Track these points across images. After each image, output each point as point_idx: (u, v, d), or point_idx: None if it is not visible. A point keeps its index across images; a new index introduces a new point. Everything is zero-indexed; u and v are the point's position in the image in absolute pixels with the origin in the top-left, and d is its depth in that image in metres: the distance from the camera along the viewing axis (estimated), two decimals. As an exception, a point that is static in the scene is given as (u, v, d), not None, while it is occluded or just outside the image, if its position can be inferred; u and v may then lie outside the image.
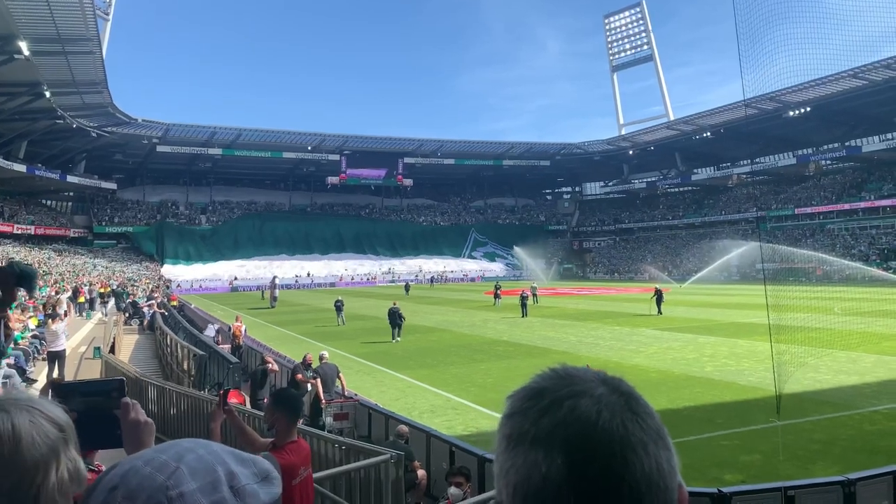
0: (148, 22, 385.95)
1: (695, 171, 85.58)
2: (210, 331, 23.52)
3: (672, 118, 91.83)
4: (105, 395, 1.66)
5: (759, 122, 66.42)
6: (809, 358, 15.50)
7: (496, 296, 39.30)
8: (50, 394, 1.51)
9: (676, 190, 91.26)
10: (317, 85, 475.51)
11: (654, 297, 30.93)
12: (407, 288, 54.85)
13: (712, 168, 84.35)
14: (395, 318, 24.30)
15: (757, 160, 78.24)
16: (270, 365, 13.04)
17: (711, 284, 54.90)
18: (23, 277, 2.37)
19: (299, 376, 11.95)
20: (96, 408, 1.61)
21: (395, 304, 25.78)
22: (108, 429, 1.59)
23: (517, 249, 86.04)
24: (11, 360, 12.38)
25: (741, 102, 59.55)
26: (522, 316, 31.10)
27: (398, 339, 23.84)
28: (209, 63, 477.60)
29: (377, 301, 45.01)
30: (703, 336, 22.62)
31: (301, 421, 4.03)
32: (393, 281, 71.70)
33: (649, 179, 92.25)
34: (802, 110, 61.87)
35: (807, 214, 69.14)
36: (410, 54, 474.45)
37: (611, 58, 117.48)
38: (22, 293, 2.72)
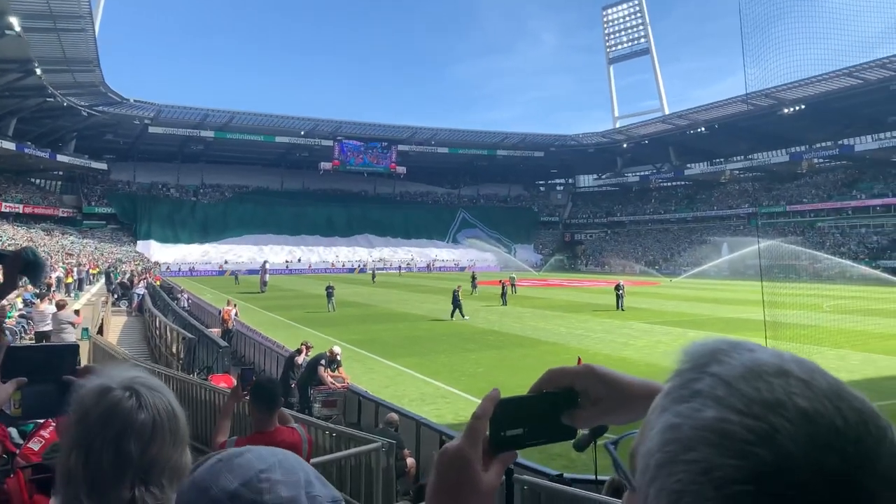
0: (141, 1, 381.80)
1: (688, 165, 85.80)
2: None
3: (667, 112, 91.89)
4: (57, 360, 1.62)
5: (754, 119, 66.63)
6: (800, 354, 15.58)
7: (473, 285, 39.41)
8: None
9: (669, 184, 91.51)
10: (310, 70, 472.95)
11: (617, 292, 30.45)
12: (373, 276, 55.06)
13: (705, 163, 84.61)
14: (456, 300, 26.80)
15: (750, 156, 78.53)
16: (301, 355, 12.66)
17: (701, 279, 55.16)
18: (31, 266, 2.33)
19: (322, 371, 11.64)
20: (48, 374, 1.57)
21: (458, 287, 28.05)
22: (61, 396, 1.55)
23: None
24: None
25: (739, 98, 59.69)
26: (502, 304, 32.14)
27: (466, 317, 26.19)
28: (202, 44, 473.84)
29: (372, 289, 45.01)
30: (693, 330, 22.69)
31: (276, 413, 3.89)
32: (384, 268, 71.54)
33: (642, 173, 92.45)
34: (797, 108, 62.05)
35: (798, 211, 69.53)
36: (405, 41, 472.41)
37: (608, 50, 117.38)
38: (23, 281, 2.66)
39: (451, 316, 26.38)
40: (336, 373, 12.03)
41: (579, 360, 11.64)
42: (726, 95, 70.49)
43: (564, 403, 0.82)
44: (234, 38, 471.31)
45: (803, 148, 73.41)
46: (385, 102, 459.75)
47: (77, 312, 17.20)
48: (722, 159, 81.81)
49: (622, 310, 29.00)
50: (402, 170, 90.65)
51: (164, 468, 1.18)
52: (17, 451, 4.28)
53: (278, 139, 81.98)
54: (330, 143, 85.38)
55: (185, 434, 1.25)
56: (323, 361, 11.76)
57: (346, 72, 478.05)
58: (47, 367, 1.59)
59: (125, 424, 1.16)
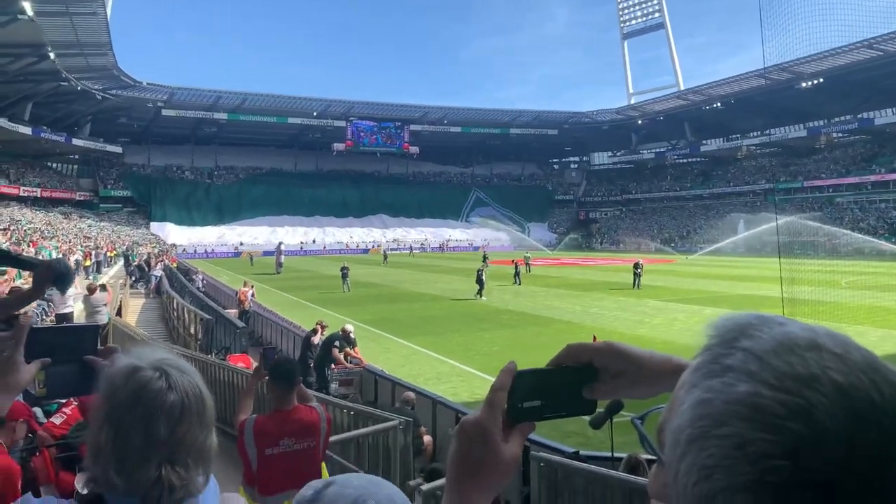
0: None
1: (704, 141, 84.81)
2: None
3: (682, 88, 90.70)
4: (79, 341, 1.66)
5: (771, 93, 65.62)
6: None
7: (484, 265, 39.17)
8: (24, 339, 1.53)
9: (685, 161, 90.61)
10: (322, 52, 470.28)
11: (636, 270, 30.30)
12: (385, 257, 54.79)
13: (722, 139, 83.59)
14: (480, 279, 26.87)
15: (767, 131, 77.48)
16: (317, 335, 12.80)
17: (718, 257, 54.78)
18: (61, 278, 2.40)
19: (336, 352, 11.74)
20: (70, 354, 1.61)
21: (482, 267, 28.81)
22: (83, 376, 1.59)
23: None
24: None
25: (757, 72, 58.82)
26: (515, 284, 31.82)
27: (483, 298, 26.15)
28: (214, 26, 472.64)
29: (386, 270, 45.14)
30: (709, 308, 22.58)
31: (294, 391, 3.95)
32: (397, 249, 71.63)
33: (658, 150, 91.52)
34: (815, 81, 61.03)
35: (816, 187, 68.64)
36: (417, 21, 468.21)
37: (621, 25, 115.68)
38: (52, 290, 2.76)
39: (479, 295, 26.43)
40: (352, 352, 12.13)
41: (594, 338, 11.67)
42: (742, 70, 69.60)
43: (584, 378, 0.82)
44: (246, 19, 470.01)
45: (821, 122, 72.27)
46: (397, 83, 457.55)
47: (104, 288, 17.45)
48: (738, 135, 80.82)
49: (638, 288, 28.89)
50: (414, 150, 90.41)
51: (191, 449, 1.21)
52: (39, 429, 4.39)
53: (291, 120, 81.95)
54: (343, 123, 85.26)
55: (212, 417, 1.28)
56: (337, 343, 11.84)
57: (358, 53, 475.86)
58: (69, 347, 1.63)
59: (155, 404, 1.19)
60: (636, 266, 29.97)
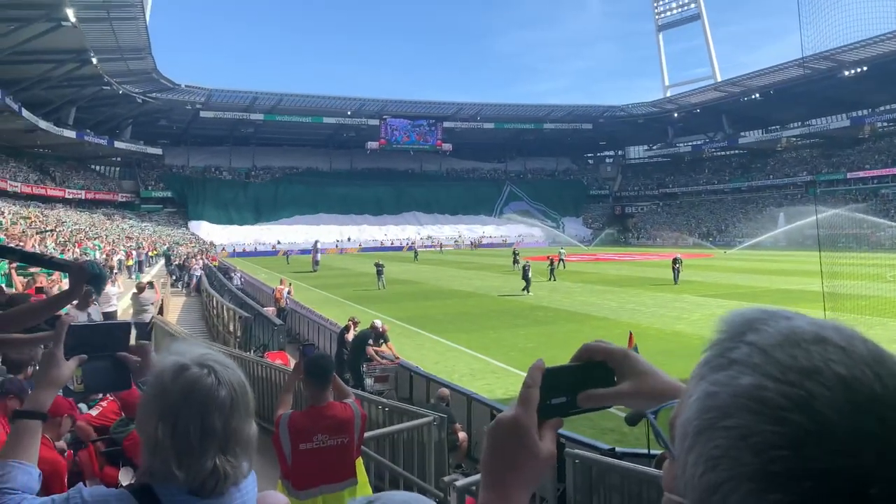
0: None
1: (742, 133, 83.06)
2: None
3: (719, 79, 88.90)
4: (112, 338, 1.73)
5: (812, 83, 63.97)
6: (861, 326, 15.05)
7: (515, 261, 38.91)
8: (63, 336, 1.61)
9: (723, 153, 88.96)
10: (356, 51, 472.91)
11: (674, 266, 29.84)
12: (416, 254, 55.03)
13: (760, 131, 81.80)
14: (526, 275, 26.91)
15: (808, 122, 75.51)
16: (350, 332, 12.92)
17: (757, 251, 53.67)
18: (95, 278, 2.51)
19: (370, 349, 11.83)
20: (104, 350, 1.69)
21: (527, 262, 28.54)
22: (117, 372, 1.67)
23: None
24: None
25: (795, 62, 57.30)
26: (550, 280, 31.27)
27: (529, 293, 26.16)
28: (250, 28, 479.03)
29: (420, 266, 45.32)
30: (748, 302, 22.01)
31: (328, 387, 4.02)
32: (430, 246, 71.78)
33: (695, 143, 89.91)
34: (858, 70, 59.23)
35: (859, 178, 66.67)
36: (448, 17, 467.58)
37: (657, 17, 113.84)
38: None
39: (526, 290, 26.34)
40: (383, 347, 12.23)
41: (631, 334, 11.45)
42: (780, 59, 68.33)
43: (604, 376, 0.85)
44: (281, 21, 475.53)
45: (865, 111, 70.15)
46: (430, 80, 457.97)
47: (151, 284, 17.90)
48: (778, 126, 78.95)
49: (676, 283, 28.47)
50: (448, 146, 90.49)
51: (239, 439, 1.29)
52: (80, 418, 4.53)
53: (326, 120, 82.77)
54: (376, 122, 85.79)
55: (253, 407, 1.36)
56: (370, 341, 11.95)
57: (390, 51, 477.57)
58: (103, 344, 1.70)
59: (208, 400, 1.26)
60: (675, 261, 29.53)
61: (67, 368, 1.60)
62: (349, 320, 13.23)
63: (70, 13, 39.22)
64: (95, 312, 8.84)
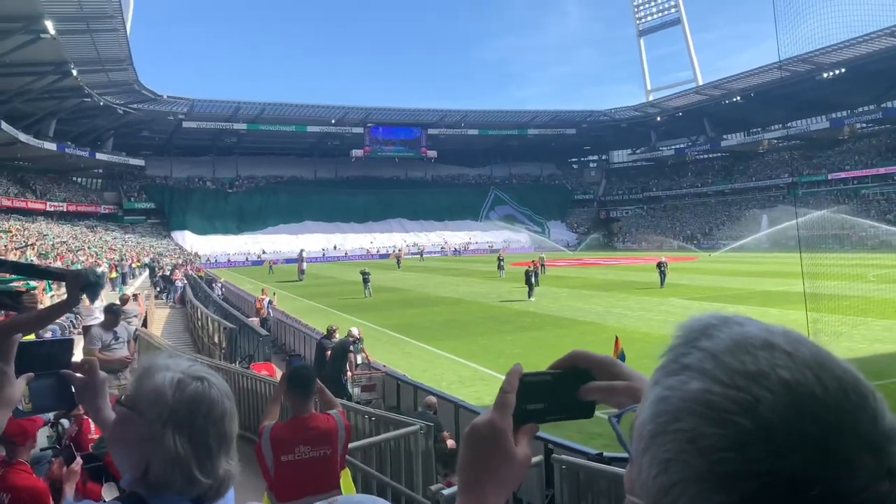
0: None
1: (724, 136, 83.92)
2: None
3: (700, 83, 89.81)
4: (55, 355, 1.70)
5: (792, 85, 64.69)
6: (843, 327, 15.24)
7: (500, 267, 38.99)
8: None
9: (705, 156, 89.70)
10: (339, 58, 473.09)
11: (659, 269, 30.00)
12: (398, 261, 54.85)
13: (742, 133, 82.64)
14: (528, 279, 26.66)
15: (788, 124, 76.39)
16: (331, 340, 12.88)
17: (741, 253, 54.11)
18: (91, 286, 2.48)
19: (353, 356, 11.88)
20: (48, 368, 1.65)
21: (530, 263, 28.91)
22: (62, 390, 1.63)
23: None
24: (48, 335, 12.64)
25: (774, 65, 57.85)
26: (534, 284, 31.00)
27: (532, 299, 25.97)
28: (231, 36, 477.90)
29: (406, 274, 45.26)
30: (733, 305, 22.34)
31: (311, 399, 4.02)
32: (420, 253, 71.63)
33: (678, 146, 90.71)
34: (837, 71, 60.09)
35: (840, 179, 67.49)
36: (430, 25, 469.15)
37: (637, 22, 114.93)
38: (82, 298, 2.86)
39: (529, 296, 26.08)
40: (364, 352, 12.35)
41: (617, 339, 11.47)
42: (762, 62, 68.59)
43: (582, 385, 0.84)
44: (262, 30, 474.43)
45: (845, 113, 71.07)
46: (413, 88, 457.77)
47: (136, 297, 17.73)
48: (759, 129, 79.79)
49: (662, 287, 28.63)
50: (432, 153, 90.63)
51: (233, 441, 1.36)
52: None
53: (310, 128, 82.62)
54: (360, 130, 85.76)
55: (234, 416, 1.41)
56: (352, 347, 11.96)
57: (373, 59, 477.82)
58: (47, 361, 1.67)
59: (218, 409, 1.32)
60: (660, 265, 29.70)
61: (18, 387, 1.57)
62: (328, 328, 13.23)
63: (49, 25, 38.92)
64: (123, 330, 8.88)
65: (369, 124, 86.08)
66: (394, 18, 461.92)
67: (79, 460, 3.84)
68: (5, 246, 30.25)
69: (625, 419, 0.75)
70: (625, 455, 0.63)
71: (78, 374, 1.65)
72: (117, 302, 15.64)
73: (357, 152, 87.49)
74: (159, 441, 1.26)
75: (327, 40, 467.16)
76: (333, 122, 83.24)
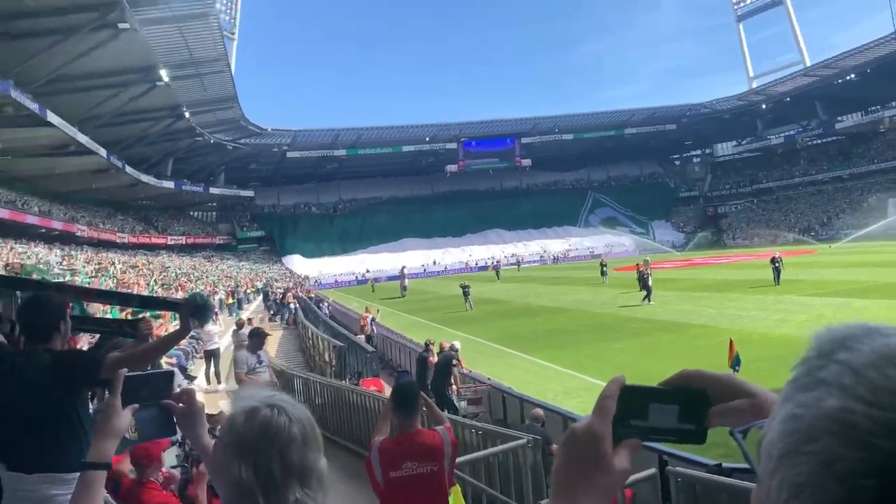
0: (269, 36, 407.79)
1: (839, 118, 78.25)
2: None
3: (808, 64, 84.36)
4: (156, 386, 1.80)
5: (914, 56, 59.54)
6: None
7: (602, 272, 38.02)
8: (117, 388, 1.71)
9: (819, 141, 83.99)
10: (430, 78, 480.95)
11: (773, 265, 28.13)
12: (497, 273, 54.11)
13: (859, 113, 76.74)
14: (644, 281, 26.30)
15: (913, 98, 70.35)
16: (431, 356, 13.18)
17: (866, 242, 50.21)
18: (200, 309, 2.60)
19: (456, 370, 12.03)
20: (151, 399, 1.75)
21: (639, 265, 28.36)
22: (165, 419, 1.74)
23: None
24: (173, 360, 13.53)
25: (890, 36, 53.76)
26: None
27: (651, 302, 25.61)
28: (328, 69, 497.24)
29: (506, 285, 45.13)
30: (858, 299, 20.73)
31: (416, 415, 4.07)
32: (517, 263, 71.21)
33: (787, 133, 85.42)
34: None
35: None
36: (520, 34, 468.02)
37: (735, 7, 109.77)
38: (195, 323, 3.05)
39: (647, 300, 25.75)
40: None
41: (731, 342, 10.90)
42: (875, 34, 63.48)
43: (697, 403, 0.78)
44: (356, 59, 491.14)
45: (979, 81, 64.69)
46: (506, 99, 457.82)
47: (250, 321, 18.71)
48: (878, 106, 73.85)
49: (777, 284, 26.99)
50: (527, 162, 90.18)
51: (315, 472, 1.35)
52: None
53: (405, 148, 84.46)
54: (454, 145, 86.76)
55: (322, 442, 1.42)
56: (455, 361, 12.02)
57: (464, 74, 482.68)
58: (149, 392, 1.77)
59: (283, 436, 1.33)
60: (773, 260, 28.01)
61: (125, 418, 1.69)
62: (427, 342, 13.41)
63: (164, 73, 42.01)
64: (265, 355, 9.20)
65: (462, 139, 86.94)
66: (483, 29, 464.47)
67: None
68: (133, 281, 32.69)
69: (750, 435, 0.70)
70: (746, 466, 0.61)
71: (179, 405, 1.76)
72: (234, 326, 16.57)
73: (451, 167, 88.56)
74: (227, 468, 1.31)
75: (419, 60, 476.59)
76: (427, 139, 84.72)
